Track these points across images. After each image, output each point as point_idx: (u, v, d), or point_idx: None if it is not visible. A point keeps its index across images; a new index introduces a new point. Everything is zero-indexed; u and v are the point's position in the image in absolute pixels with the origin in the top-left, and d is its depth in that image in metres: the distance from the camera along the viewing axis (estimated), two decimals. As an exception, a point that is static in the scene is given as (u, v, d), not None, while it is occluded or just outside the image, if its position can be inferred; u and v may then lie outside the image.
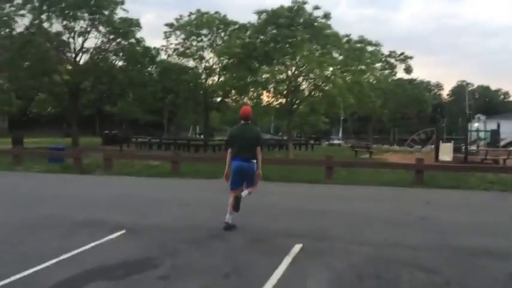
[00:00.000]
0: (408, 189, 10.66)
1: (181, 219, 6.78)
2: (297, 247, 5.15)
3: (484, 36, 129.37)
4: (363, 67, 21.25)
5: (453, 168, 12.07)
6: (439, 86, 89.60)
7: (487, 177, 11.95)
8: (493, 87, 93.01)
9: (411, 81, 47.69)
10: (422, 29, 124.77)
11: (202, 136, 60.47)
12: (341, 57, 21.57)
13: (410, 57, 25.07)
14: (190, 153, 25.35)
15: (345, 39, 22.25)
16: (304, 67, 20.73)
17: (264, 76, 21.52)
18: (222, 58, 24.09)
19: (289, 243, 5.26)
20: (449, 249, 5.19)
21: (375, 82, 23.87)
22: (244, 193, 6.30)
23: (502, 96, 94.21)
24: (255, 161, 6.26)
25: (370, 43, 22.32)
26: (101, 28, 28.06)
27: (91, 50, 28.53)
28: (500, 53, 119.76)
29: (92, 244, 5.18)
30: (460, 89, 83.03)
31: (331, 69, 19.93)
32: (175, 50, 31.34)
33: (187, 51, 30.60)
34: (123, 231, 5.82)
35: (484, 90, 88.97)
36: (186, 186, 11.01)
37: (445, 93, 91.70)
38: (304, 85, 22.53)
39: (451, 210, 7.87)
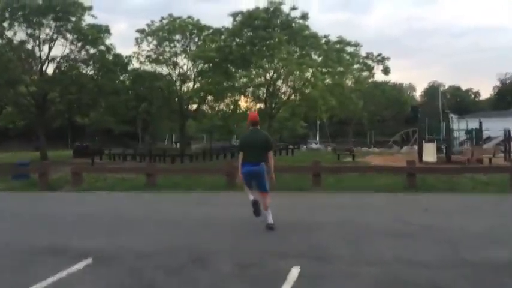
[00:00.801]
0: (401, 194, 10.11)
1: (159, 241, 5.97)
2: (295, 271, 4.44)
3: (452, 37, 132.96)
4: (342, 69, 20.77)
5: (446, 171, 11.57)
6: (411, 88, 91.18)
7: (480, 178, 11.56)
8: (464, 87, 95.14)
9: (385, 84, 48.06)
10: (392, 32, 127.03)
11: (178, 145, 59.37)
12: (320, 59, 21.10)
13: (388, 58, 25.01)
14: (166, 164, 24.38)
15: (323, 40, 21.82)
16: (282, 70, 20.15)
17: (241, 80, 20.82)
18: (197, 63, 23.24)
19: (285, 266, 4.57)
20: (467, 266, 4.58)
21: (355, 84, 23.48)
22: (268, 214, 6.74)
23: (472, 96, 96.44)
24: (263, 162, 6.61)
25: (349, 44, 21.96)
26: (68, 35, 26.87)
27: (58, 59, 27.28)
28: (469, 53, 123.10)
29: (50, 279, 4.33)
30: (432, 90, 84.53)
31: (310, 71, 19.37)
32: (147, 56, 30.40)
33: (160, 57, 29.70)
34: (89, 260, 4.98)
35: (455, 90, 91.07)
36: (163, 201, 10.16)
37: (417, 94, 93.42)
38: (283, 88, 21.97)
39: (453, 217, 7.30)
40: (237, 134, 69.89)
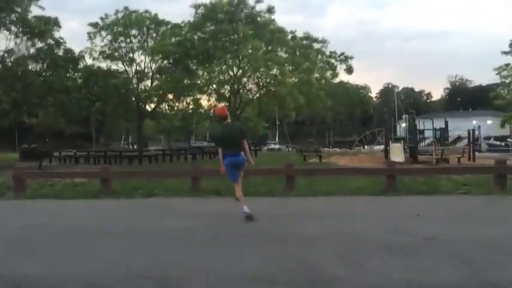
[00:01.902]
0: (383, 197, 9.42)
1: (112, 264, 4.88)
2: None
3: (403, 40, 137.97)
4: (308, 65, 20.07)
5: (425, 172, 11.02)
6: (367, 89, 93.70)
7: (457, 179, 11.13)
8: (417, 89, 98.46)
9: (348, 83, 48.43)
10: (347, 35, 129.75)
11: (135, 147, 57.24)
12: (287, 55, 20.32)
13: (351, 57, 24.62)
14: (123, 166, 22.84)
15: (289, 36, 21.05)
16: (248, 66, 19.20)
17: (204, 76, 19.63)
18: (155, 58, 21.81)
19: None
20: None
21: (322, 82, 22.91)
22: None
23: (425, 97, 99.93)
24: (242, 153, 7.34)
25: (316, 40, 21.32)
26: (12, 27, 24.63)
27: (1, 53, 24.96)
28: (420, 56, 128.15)
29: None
30: (386, 91, 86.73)
31: (277, 67, 18.54)
32: (101, 52, 28.55)
33: (116, 53, 27.98)
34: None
35: (409, 91, 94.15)
36: (120, 210, 8.94)
37: (372, 95, 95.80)
38: (249, 86, 21.01)
39: (452, 224, 6.63)
40: (196, 134, 68.59)
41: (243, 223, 7.00)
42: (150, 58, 24.70)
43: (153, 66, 25.47)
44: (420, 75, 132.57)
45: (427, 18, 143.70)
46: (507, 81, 27.52)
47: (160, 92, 21.52)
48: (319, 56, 22.13)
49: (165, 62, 21.94)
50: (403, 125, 30.36)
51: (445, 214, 7.41)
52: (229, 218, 7.44)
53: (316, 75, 21.63)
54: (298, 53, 20.04)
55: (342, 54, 27.25)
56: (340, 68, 26.50)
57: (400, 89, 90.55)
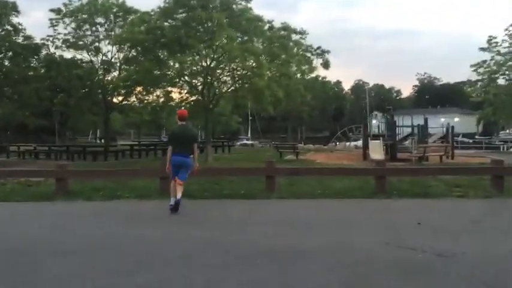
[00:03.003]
0: (374, 201, 8.56)
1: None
2: None
3: (374, 39, 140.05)
4: (286, 57, 19.05)
5: (420, 172, 10.23)
6: (338, 85, 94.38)
7: (447, 180, 10.39)
8: (387, 86, 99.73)
9: (324, 78, 47.98)
10: (318, 32, 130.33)
11: (102, 141, 54.98)
12: (264, 46, 19.23)
13: (328, 52, 23.82)
14: (87, 162, 21.26)
15: (267, 26, 19.95)
16: (223, 56, 17.97)
17: (175, 67, 18.25)
18: (122, 47, 20.27)
19: None
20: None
21: (299, 75, 21.96)
22: (179, 196, 7.45)
23: (395, 94, 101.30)
24: (191, 156, 7.68)
25: (294, 31, 20.31)
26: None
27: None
28: (390, 54, 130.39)
29: None
30: (357, 88, 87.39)
31: (253, 58, 17.43)
32: (64, 41, 26.63)
33: (80, 42, 26.14)
34: None
35: (379, 88, 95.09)
36: (75, 216, 7.69)
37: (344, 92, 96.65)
38: (224, 77, 19.79)
39: (461, 236, 5.80)
40: (167, 128, 66.74)
41: (212, 235, 5.91)
42: (117, 47, 23.09)
43: (121, 56, 23.99)
44: (390, 73, 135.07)
45: (396, 17, 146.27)
46: (484, 77, 27.47)
47: (128, 83, 20.00)
48: (296, 49, 21.14)
49: (133, 51, 20.50)
50: (374, 121, 29.99)
51: (449, 222, 6.60)
52: (198, 223, 6.40)
53: (294, 68, 20.65)
54: (276, 44, 18.98)
55: (319, 48, 26.37)
56: (317, 63, 25.63)
57: (370, 85, 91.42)
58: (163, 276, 4.27)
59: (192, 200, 9.06)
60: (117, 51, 23.94)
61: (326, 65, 24.11)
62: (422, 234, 5.84)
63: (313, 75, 28.34)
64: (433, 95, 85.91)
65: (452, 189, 9.51)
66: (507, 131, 58.97)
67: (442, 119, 41.32)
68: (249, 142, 53.10)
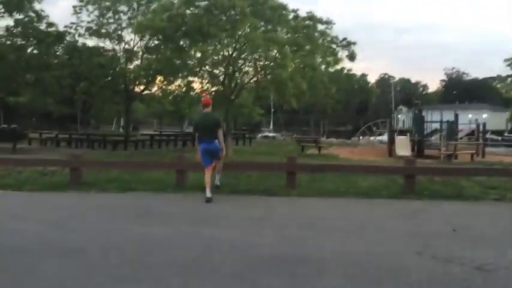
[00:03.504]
0: (403, 202, 7.94)
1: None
2: None
3: (397, 32, 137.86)
4: (311, 47, 18.31)
5: (446, 172, 9.51)
6: (364, 78, 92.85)
7: (482, 181, 9.65)
8: (413, 80, 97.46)
9: (349, 70, 46.87)
10: (340, 25, 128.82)
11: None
12: (289, 36, 18.55)
13: (354, 43, 22.94)
14: (106, 151, 21.17)
15: (291, 16, 19.24)
16: (245, 46, 17.39)
17: (196, 56, 17.76)
18: (143, 34, 19.86)
19: None
20: None
21: (324, 67, 21.21)
22: (217, 180, 8.57)
23: (421, 89, 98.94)
24: (216, 140, 7.95)
25: (320, 21, 19.55)
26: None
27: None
28: (414, 48, 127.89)
29: None
30: (382, 82, 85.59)
31: (277, 49, 16.78)
32: (88, 29, 26.48)
33: (102, 30, 25.94)
34: None
35: (405, 82, 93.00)
36: (84, 209, 7.34)
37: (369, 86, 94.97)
38: (246, 68, 19.24)
39: (503, 246, 5.23)
40: (189, 119, 66.84)
41: (226, 234, 5.45)
42: (138, 36, 22.75)
43: (142, 44, 23.67)
44: (416, 67, 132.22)
45: (419, 11, 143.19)
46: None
47: (150, 72, 19.65)
48: (321, 40, 20.39)
49: (154, 39, 20.13)
50: (399, 116, 28.98)
51: (488, 230, 5.94)
52: (212, 221, 5.95)
53: (319, 59, 19.91)
54: (300, 34, 18.27)
55: (344, 39, 25.50)
56: (342, 54, 24.78)
57: (396, 79, 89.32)
58: (164, 285, 3.84)
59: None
60: (137, 39, 23.59)
61: (352, 57, 23.33)
62: (458, 243, 5.24)
63: (338, 67, 27.54)
64: (461, 91, 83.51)
65: (488, 192, 8.80)
66: (540, 129, 56.63)
67: (470, 115, 39.90)
68: (271, 134, 52.53)
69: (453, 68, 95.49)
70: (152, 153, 19.83)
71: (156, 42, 20.42)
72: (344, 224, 6.26)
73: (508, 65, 26.42)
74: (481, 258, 4.63)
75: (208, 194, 7.68)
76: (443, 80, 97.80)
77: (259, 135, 50.87)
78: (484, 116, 46.94)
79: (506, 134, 48.05)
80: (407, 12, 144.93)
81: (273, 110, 55.77)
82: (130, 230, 5.76)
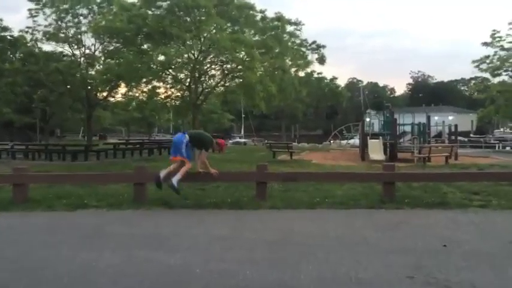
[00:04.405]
0: (383, 212, 7.32)
1: None
2: None
3: (364, 38, 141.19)
4: (281, 50, 17.67)
5: (429, 178, 8.95)
6: (334, 81, 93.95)
7: (463, 186, 9.16)
8: (381, 84, 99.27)
9: (319, 74, 46.83)
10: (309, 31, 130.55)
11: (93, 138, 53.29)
12: (256, 37, 17.85)
13: (323, 46, 22.59)
14: (66, 162, 19.80)
15: (259, 16, 18.57)
16: (211, 48, 16.56)
17: (159, 59, 16.76)
18: (101, 36, 18.70)
19: None
20: None
21: (294, 70, 20.64)
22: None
23: (388, 92, 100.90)
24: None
25: (289, 22, 18.95)
26: None
27: None
28: (380, 53, 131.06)
29: None
30: (351, 86, 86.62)
31: (245, 50, 16.03)
32: (45, 33, 25.06)
33: (61, 34, 24.59)
34: None
35: (373, 86, 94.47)
36: (25, 232, 6.34)
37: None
38: (212, 71, 18.41)
39: (501, 263, 4.58)
40: (158, 125, 65.37)
41: (185, 259, 4.62)
42: (96, 38, 21.54)
43: (103, 48, 22.45)
44: (383, 71, 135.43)
45: (387, 17, 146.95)
46: (487, 73, 26.58)
47: (108, 77, 18.49)
48: (291, 42, 19.84)
49: (113, 42, 19.06)
50: (368, 119, 28.82)
51: (481, 243, 5.34)
52: (171, 239, 5.09)
53: (289, 62, 19.32)
54: (268, 35, 17.61)
55: (314, 42, 25.21)
56: (312, 58, 24.38)
57: (364, 83, 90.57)
58: None
59: (170, 209, 7.79)
60: (96, 42, 22.36)
61: (322, 60, 22.94)
62: (452, 262, 4.59)
63: (308, 70, 27.18)
64: (427, 93, 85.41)
65: (471, 197, 8.30)
66: (501, 130, 58.16)
67: (436, 118, 40.34)
68: (242, 140, 51.80)
69: (419, 72, 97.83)
70: (114, 163, 18.65)
71: (116, 45, 19.34)
72: (321, 241, 5.53)
73: (476, 66, 26.81)
74: (479, 278, 4.03)
75: (162, 174, 7.83)
76: (409, 84, 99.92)
77: (230, 141, 50.09)
78: (450, 118, 47.71)
79: (471, 135, 49.04)
80: (373, 18, 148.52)
81: (243, 115, 55.13)
82: (72, 257, 4.87)
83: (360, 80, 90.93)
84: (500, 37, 25.84)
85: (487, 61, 26.19)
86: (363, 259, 4.72)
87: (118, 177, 9.20)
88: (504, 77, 26.89)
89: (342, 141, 35.22)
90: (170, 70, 17.80)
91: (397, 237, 5.61)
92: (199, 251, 5.13)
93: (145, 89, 19.25)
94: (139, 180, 8.22)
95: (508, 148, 34.12)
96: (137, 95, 21.70)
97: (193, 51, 17.36)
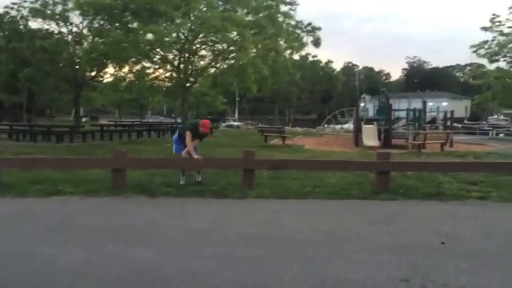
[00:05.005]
0: (377, 203, 6.91)
1: None
2: None
3: (360, 22, 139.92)
4: (274, 31, 16.97)
5: (426, 168, 8.50)
6: (329, 65, 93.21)
7: (459, 175, 8.74)
8: (376, 69, 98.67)
9: (314, 57, 46.01)
10: (306, 15, 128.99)
11: (83, 120, 52.46)
12: (249, 17, 17.12)
13: (319, 29, 21.92)
14: (50, 143, 19.17)
15: (252, -6, 17.81)
16: (200, 26, 15.82)
17: (147, 38, 15.99)
18: (86, 12, 17.80)
19: None
20: None
21: (289, 52, 19.97)
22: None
23: (384, 77, 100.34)
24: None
25: (283, 1, 18.22)
26: None
27: None
28: (377, 38, 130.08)
29: None
30: (347, 70, 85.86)
31: (236, 30, 15.33)
32: (31, 10, 24.02)
33: (48, 10, 23.59)
34: None
35: (369, 71, 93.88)
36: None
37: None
38: (203, 51, 17.70)
39: (507, 264, 4.11)
40: (150, 107, 64.42)
41: (159, 259, 4.16)
42: (81, 15, 20.58)
43: (85, 24, 21.52)
44: (378, 56, 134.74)
45: (382, 1, 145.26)
46: (484, 59, 26.10)
47: (94, 56, 17.71)
48: (286, 24, 19.12)
49: (98, 19, 18.22)
50: (362, 104, 28.36)
51: (482, 240, 4.92)
52: (143, 243, 4.60)
53: (283, 44, 18.64)
54: (261, 15, 16.91)
55: (309, 24, 24.43)
56: (307, 40, 23.65)
57: (360, 68, 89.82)
58: None
59: (151, 198, 7.32)
60: (83, 20, 21.39)
61: (317, 42, 22.28)
62: (451, 263, 4.17)
63: (303, 53, 26.46)
64: (422, 79, 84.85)
65: (468, 188, 7.88)
66: (495, 116, 57.98)
67: (431, 103, 39.93)
68: (236, 124, 51.26)
69: (414, 57, 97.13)
70: (100, 146, 18.08)
71: (101, 22, 18.51)
72: (310, 235, 5.09)
73: (474, 52, 26.30)
74: (484, 283, 3.60)
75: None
76: (405, 69, 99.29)
77: (224, 124, 49.51)
78: (444, 103, 47.35)
79: (465, 121, 48.76)
80: (369, 2, 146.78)
81: (238, 98, 54.45)
82: (31, 253, 4.38)
83: (356, 65, 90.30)
84: (499, 21, 25.30)
85: (486, 46, 25.69)
86: (354, 258, 4.29)
87: (94, 162, 8.67)
88: (502, 63, 26.46)
89: (336, 126, 34.80)
90: (158, 49, 17.07)
91: (392, 233, 5.18)
92: (175, 246, 4.68)
93: (133, 70, 18.52)
94: (117, 165, 7.70)
95: (501, 135, 33.94)
96: (123, 75, 20.92)
97: (182, 30, 16.63)
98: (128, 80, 19.45)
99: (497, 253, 4.46)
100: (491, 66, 27.52)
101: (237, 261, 4.19)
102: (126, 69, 18.92)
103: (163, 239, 4.97)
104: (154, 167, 8.60)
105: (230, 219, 5.90)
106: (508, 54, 25.39)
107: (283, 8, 18.31)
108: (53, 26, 24.52)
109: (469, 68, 68.95)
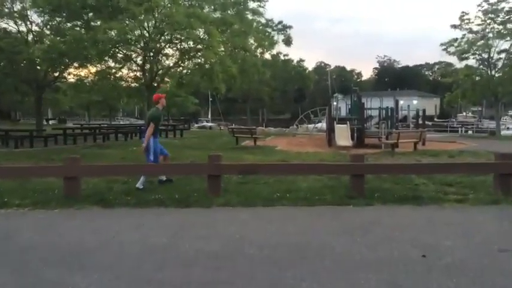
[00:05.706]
0: (351, 209, 6.45)
1: None
2: None
3: (331, 22, 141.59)
4: (242, 28, 16.42)
5: (403, 170, 8.11)
6: (301, 64, 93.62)
7: (434, 177, 8.41)
8: (348, 68, 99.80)
9: (286, 56, 45.66)
10: (277, 14, 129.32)
11: (50, 123, 50.62)
12: (217, 14, 16.51)
13: (290, 27, 21.52)
14: (8, 149, 18.02)
15: (219, -10, 17.19)
16: (165, 23, 15.08)
17: (107, 35, 15.10)
18: (41, 9, 16.78)
19: None
20: None
21: (259, 51, 19.45)
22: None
23: (355, 76, 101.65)
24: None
25: (252, -2, 17.71)
26: None
27: None
28: (348, 37, 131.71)
29: None
30: (319, 70, 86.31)
31: (203, 27, 14.68)
32: (-13, 8, 22.68)
33: (5, 8, 22.32)
34: None
35: (341, 70, 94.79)
36: None
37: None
38: (169, 50, 16.97)
39: (495, 280, 3.69)
40: (122, 110, 62.74)
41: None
42: (36, 12, 19.46)
43: (39, 21, 20.39)
44: (350, 56, 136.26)
45: (353, 1, 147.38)
46: (454, 57, 26.41)
47: (51, 55, 16.70)
48: (256, 23, 18.63)
49: (57, 16, 17.23)
50: (334, 103, 28.19)
51: (466, 252, 4.48)
52: (82, 265, 3.97)
53: (252, 41, 18.11)
54: (229, 12, 16.34)
55: (280, 23, 24.06)
56: (278, 39, 23.25)
57: (332, 67, 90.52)
58: None
59: (107, 208, 6.67)
60: (43, 17, 20.24)
61: (288, 41, 21.86)
62: (434, 280, 3.73)
63: (274, 52, 26.03)
64: (393, 78, 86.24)
65: (445, 190, 7.55)
66: (464, 114, 59.22)
67: (401, 102, 40.32)
68: (209, 124, 50.60)
69: (385, 56, 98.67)
70: (62, 151, 17.10)
71: (59, 19, 17.49)
72: (278, 251, 4.58)
73: (444, 49, 26.58)
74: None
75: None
76: (376, 68, 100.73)
77: (196, 125, 48.67)
78: (415, 102, 47.99)
79: (435, 119, 49.57)
80: (341, 2, 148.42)
81: (210, 99, 53.74)
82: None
83: (328, 64, 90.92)
84: (469, 19, 25.61)
85: (455, 44, 25.98)
86: (326, 279, 3.79)
87: (44, 170, 7.90)
88: (471, 61, 26.83)
89: (309, 126, 34.56)
90: (120, 48, 16.24)
91: (368, 245, 4.71)
92: (124, 269, 4.08)
93: (93, 70, 17.62)
94: (69, 173, 7.00)
95: (469, 132, 34.62)
96: (83, 75, 19.94)
97: (146, 28, 15.86)
98: (90, 80, 18.49)
99: (481, 267, 4.05)
100: (461, 64, 27.96)
101: (190, 285, 3.64)
102: (88, 69, 17.97)
103: (112, 260, 4.35)
104: (110, 174, 7.92)
105: (191, 233, 5.31)
106: (477, 52, 25.78)
107: (252, 4, 17.83)
108: (11, 25, 23.28)
109: (437, 66, 70.40)
